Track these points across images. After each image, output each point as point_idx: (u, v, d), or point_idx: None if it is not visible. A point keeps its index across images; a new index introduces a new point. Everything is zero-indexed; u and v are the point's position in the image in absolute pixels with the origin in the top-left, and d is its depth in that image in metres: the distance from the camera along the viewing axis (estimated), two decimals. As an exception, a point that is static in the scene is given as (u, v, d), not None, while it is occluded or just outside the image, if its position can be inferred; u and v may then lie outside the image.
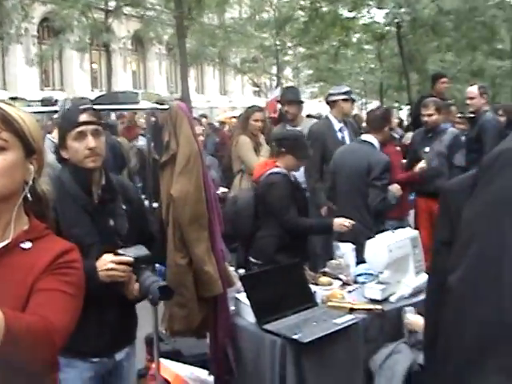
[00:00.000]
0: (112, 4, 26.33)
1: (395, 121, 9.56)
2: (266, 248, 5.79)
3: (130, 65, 40.75)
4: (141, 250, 3.44)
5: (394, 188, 7.16)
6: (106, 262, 3.34)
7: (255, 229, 5.96)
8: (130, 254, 3.39)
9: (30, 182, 2.22)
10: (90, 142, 3.54)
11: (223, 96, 48.67)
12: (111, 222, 3.66)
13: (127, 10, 28.75)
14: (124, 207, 3.75)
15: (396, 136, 9.10)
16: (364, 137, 6.96)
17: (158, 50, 39.31)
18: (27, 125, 2.21)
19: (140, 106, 5.17)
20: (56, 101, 12.94)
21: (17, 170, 2.17)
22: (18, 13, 23.92)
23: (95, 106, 4.27)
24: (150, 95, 22.39)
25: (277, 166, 5.96)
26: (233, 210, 6.03)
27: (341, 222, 5.87)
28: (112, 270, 3.33)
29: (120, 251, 3.39)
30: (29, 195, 2.23)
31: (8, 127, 2.14)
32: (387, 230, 5.82)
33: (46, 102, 12.66)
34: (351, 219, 5.94)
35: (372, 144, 6.80)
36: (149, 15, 28.73)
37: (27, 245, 2.18)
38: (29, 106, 13.08)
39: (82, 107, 3.67)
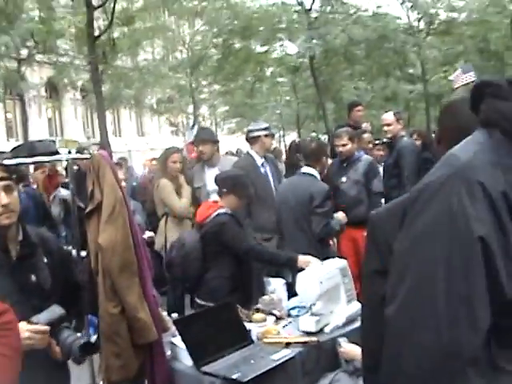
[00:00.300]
0: (24, 52, 26.08)
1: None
2: (218, 289, 5.78)
3: (46, 112, 40.33)
4: (55, 312, 3.31)
5: (340, 215, 7.26)
6: (22, 331, 3.14)
7: (204, 271, 5.97)
8: (45, 319, 3.25)
9: None
10: (3, 198, 3.44)
11: (141, 138, 48.49)
12: (33, 278, 3.55)
13: (39, 57, 28.50)
14: (45, 260, 3.66)
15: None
16: (304, 169, 7.15)
17: (72, 95, 39.01)
18: None
19: (61, 156, 5.12)
20: None
21: None
22: None
23: (15, 160, 4.21)
24: (68, 142, 22.18)
25: (221, 207, 6.04)
26: (181, 254, 6.01)
27: (308, 260, 5.80)
28: (28, 338, 3.17)
29: (33, 319, 3.22)
30: None
31: None
32: (333, 256, 5.94)
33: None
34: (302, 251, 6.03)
35: (313, 175, 7.03)
36: (62, 61, 28.53)
37: None
38: None
39: None
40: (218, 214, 6.00)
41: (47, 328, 3.23)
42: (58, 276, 3.67)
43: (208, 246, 5.98)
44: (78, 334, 3.42)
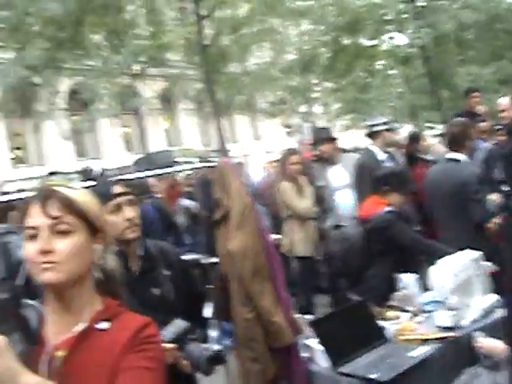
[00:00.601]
0: (136, 67, 26.63)
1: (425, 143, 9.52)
2: (376, 288, 5.73)
3: (162, 123, 41.11)
4: (179, 327, 3.31)
5: (494, 195, 7.01)
6: None
7: (365, 267, 5.93)
8: (170, 334, 3.26)
9: (98, 262, 2.21)
10: (128, 212, 3.49)
11: (256, 141, 48.75)
12: (156, 292, 3.60)
13: (151, 70, 29.07)
14: (167, 273, 3.70)
15: (430, 158, 8.99)
16: (449, 155, 6.90)
17: (186, 105, 39.59)
18: (89, 204, 2.21)
19: (187, 166, 5.19)
20: (91, 170, 13.06)
21: (83, 252, 2.15)
22: (48, 91, 24.30)
23: (136, 174, 4.27)
24: (186, 151, 22.52)
25: (388, 205, 6.04)
26: (344, 247, 6.01)
27: None
28: None
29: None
30: (98, 275, 2.22)
31: (70, 210, 2.14)
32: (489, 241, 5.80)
33: (84, 172, 12.79)
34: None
35: (459, 160, 6.78)
36: (173, 73, 29.01)
37: (104, 325, 2.17)
38: (68, 178, 13.22)
39: (113, 179, 3.64)
40: (385, 212, 5.98)
41: (174, 346, 3.25)
42: (180, 288, 3.70)
43: (372, 242, 5.93)
44: (204, 345, 3.41)
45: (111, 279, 2.29)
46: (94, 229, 2.20)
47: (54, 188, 2.19)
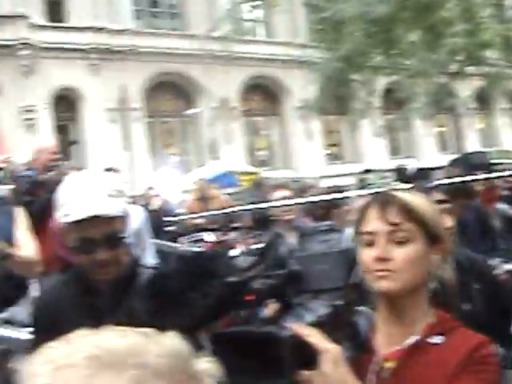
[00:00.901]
0: (453, 66, 26.27)
1: None
2: None
3: (477, 123, 40.24)
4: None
5: None
6: None
7: None
8: None
9: (435, 273, 2.14)
10: (446, 221, 3.38)
11: None
12: (466, 307, 3.37)
13: (468, 69, 28.57)
14: (477, 286, 3.52)
15: None
16: None
17: (504, 105, 38.43)
18: (429, 212, 2.12)
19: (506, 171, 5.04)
20: (406, 169, 13.06)
21: (420, 262, 2.07)
22: (365, 90, 24.75)
23: (448, 180, 4.18)
24: (504, 153, 21.83)
25: None
26: None
27: None
28: None
29: None
30: (434, 286, 2.14)
31: (411, 218, 2.07)
32: None
33: (399, 171, 12.84)
34: None
35: None
36: (490, 71, 28.23)
37: (437, 339, 2.07)
38: (382, 176, 13.35)
39: (429, 185, 3.55)
40: None
41: None
42: (489, 303, 3.51)
43: None
44: None
45: (448, 291, 2.22)
46: (432, 238, 2.11)
47: (394, 193, 2.15)
